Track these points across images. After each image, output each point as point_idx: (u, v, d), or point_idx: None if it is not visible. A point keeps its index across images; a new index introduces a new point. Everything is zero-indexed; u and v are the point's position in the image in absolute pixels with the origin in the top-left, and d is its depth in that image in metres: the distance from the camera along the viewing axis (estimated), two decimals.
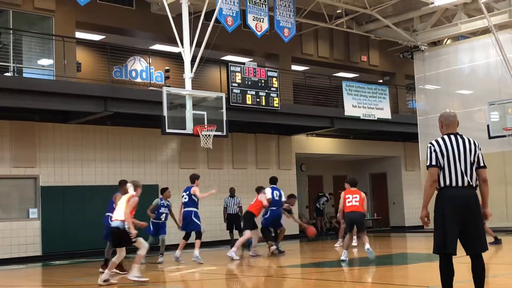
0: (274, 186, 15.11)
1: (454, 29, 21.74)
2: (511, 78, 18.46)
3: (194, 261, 13.10)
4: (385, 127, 23.09)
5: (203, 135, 14.25)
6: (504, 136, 18.15)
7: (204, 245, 17.73)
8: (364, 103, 21.98)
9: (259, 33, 17.07)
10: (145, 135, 18.73)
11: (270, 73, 19.30)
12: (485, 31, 20.38)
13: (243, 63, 19.09)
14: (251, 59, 20.87)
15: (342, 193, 13.00)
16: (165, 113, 13.67)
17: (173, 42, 15.23)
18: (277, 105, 19.22)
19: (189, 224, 13.41)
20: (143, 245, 10.31)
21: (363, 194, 12.87)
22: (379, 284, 9.59)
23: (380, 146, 25.70)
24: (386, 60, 25.85)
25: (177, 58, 16.30)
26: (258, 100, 18.76)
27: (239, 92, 18.28)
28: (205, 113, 14.73)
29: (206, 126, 14.31)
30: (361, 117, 21.76)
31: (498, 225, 19.79)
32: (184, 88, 14.54)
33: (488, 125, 18.57)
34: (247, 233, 14.39)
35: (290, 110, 20.20)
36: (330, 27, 21.11)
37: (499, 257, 12.82)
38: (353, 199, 12.59)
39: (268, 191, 14.76)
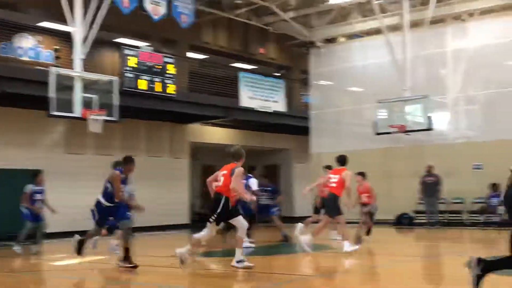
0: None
1: (349, 28, 22.40)
2: (399, 78, 19.22)
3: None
4: (279, 120, 23.39)
5: (92, 120, 13.79)
6: (390, 133, 18.89)
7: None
8: (260, 95, 22.14)
9: (156, 17, 16.70)
10: (29, 117, 17.82)
11: (166, 59, 18.97)
12: (378, 31, 21.12)
13: (139, 47, 18.66)
14: (148, 44, 20.44)
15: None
16: (52, 94, 13.10)
17: (65, 20, 14.58)
18: (172, 92, 18.95)
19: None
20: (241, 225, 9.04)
21: (345, 174, 11.75)
22: (267, 273, 9.67)
23: (274, 138, 26.05)
24: (283, 53, 26.16)
25: (69, 38, 15.64)
26: (152, 86, 18.39)
27: (133, 76, 17.83)
28: (95, 96, 14.27)
29: (95, 110, 13.86)
30: (257, 109, 21.92)
31: (383, 218, 20.66)
32: (74, 69, 13.98)
33: (375, 122, 19.26)
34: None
35: (186, 98, 19.99)
36: (229, 17, 21.06)
37: (385, 248, 13.32)
38: (333, 179, 11.85)
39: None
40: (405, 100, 18.95)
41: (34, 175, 13.46)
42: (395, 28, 20.44)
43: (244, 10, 20.73)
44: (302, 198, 26.23)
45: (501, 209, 18.25)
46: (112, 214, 10.00)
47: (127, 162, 10.20)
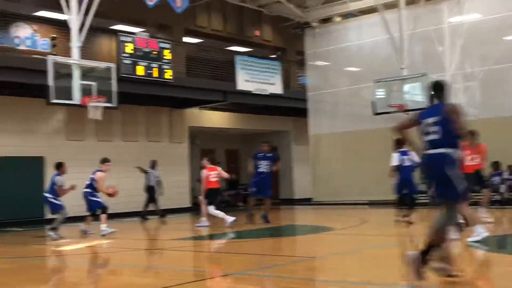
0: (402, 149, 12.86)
1: (344, 7, 22.32)
2: (396, 57, 19.20)
3: (103, 235, 12.90)
4: (277, 102, 23.39)
5: (91, 106, 13.79)
6: (388, 112, 18.89)
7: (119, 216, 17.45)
8: (257, 78, 22.14)
9: (151, 3, 16.60)
10: (29, 105, 17.85)
11: (162, 45, 18.95)
12: (373, 10, 21.06)
13: (135, 33, 18.59)
14: (143, 30, 20.37)
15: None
16: (50, 82, 13.09)
17: (60, 9, 14.52)
18: (169, 77, 18.95)
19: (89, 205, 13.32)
20: None
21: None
22: (268, 255, 9.75)
23: (272, 120, 26.06)
24: (279, 35, 26.09)
25: (65, 26, 15.57)
26: (150, 71, 18.39)
27: (130, 63, 17.83)
28: (94, 83, 14.25)
29: (94, 97, 13.85)
30: (253, 92, 21.92)
31: (383, 198, 20.76)
32: (72, 57, 13.94)
33: (373, 102, 19.25)
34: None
35: (183, 83, 19.98)
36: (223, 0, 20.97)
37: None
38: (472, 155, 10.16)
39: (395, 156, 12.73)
40: (403, 78, 18.95)
41: (58, 166, 13.15)
42: (391, 5, 20.37)
43: None
44: (301, 180, 26.54)
45: (503, 187, 18.30)
46: None
47: None
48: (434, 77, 19.67)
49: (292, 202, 25.76)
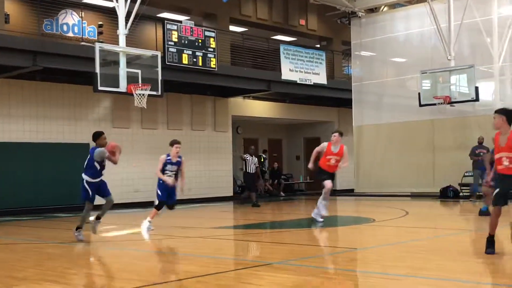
0: None
1: None
2: (443, 48, 18.85)
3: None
4: (321, 92, 23.29)
5: (137, 94, 13.93)
6: (434, 104, 18.59)
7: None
8: (301, 68, 22.07)
9: None
10: (76, 92, 18.19)
11: (207, 33, 19.02)
12: (420, 0, 20.69)
13: (180, 22, 18.71)
14: (188, 18, 20.49)
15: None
16: (97, 70, 13.26)
17: None
18: (214, 66, 19.03)
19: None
20: None
21: None
22: (309, 245, 9.74)
23: (315, 110, 25.93)
24: (324, 25, 25.89)
25: (111, 13, 15.77)
26: (194, 60, 18.51)
27: (175, 51, 17.96)
28: (139, 71, 14.37)
29: (140, 85, 13.97)
30: (298, 82, 21.85)
31: (428, 190, 20.56)
32: (118, 44, 14.11)
33: (419, 93, 18.97)
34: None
35: (227, 72, 20.04)
36: None
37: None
38: None
39: None
40: (450, 70, 18.59)
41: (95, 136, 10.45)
42: None
43: None
44: (344, 171, 26.31)
45: None
46: None
47: None
48: (482, 69, 19.38)
49: (334, 193, 25.58)
